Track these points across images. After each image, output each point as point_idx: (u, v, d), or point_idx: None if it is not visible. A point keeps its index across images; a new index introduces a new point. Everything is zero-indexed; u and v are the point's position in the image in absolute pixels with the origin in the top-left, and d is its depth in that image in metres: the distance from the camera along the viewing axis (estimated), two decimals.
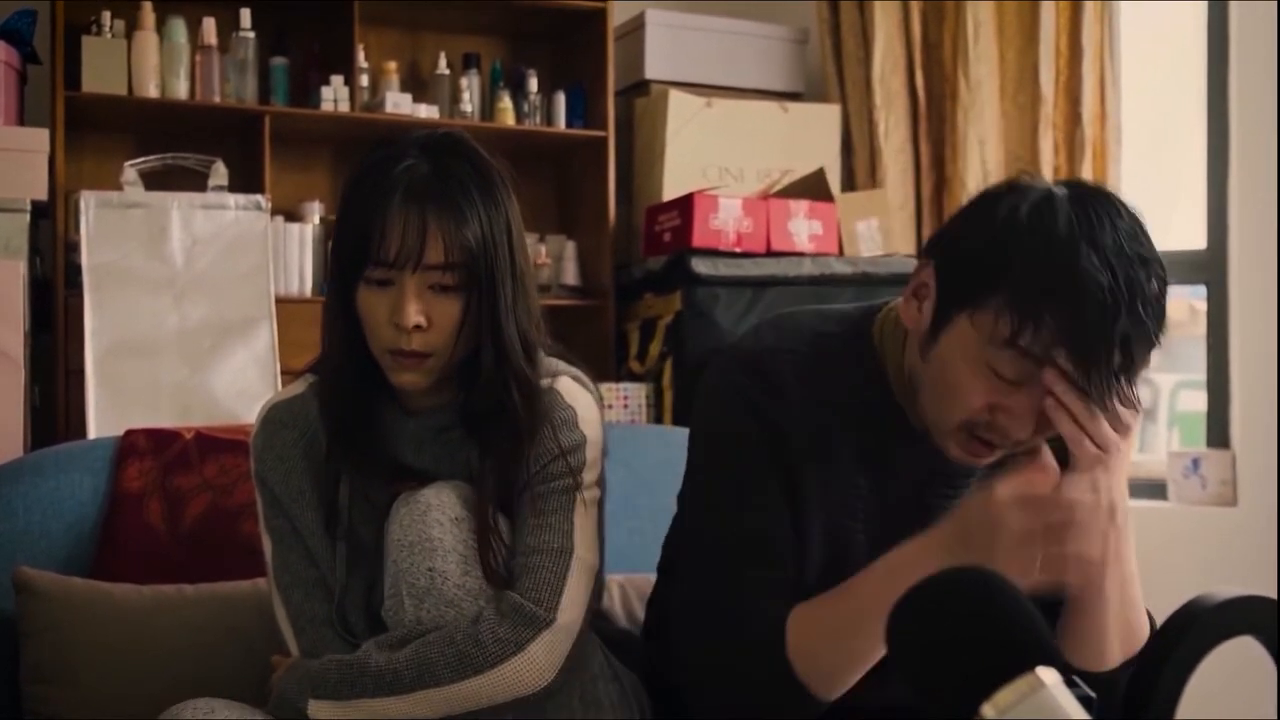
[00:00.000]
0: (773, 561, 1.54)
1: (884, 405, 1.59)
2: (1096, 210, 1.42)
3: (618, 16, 4.30)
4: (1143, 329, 1.39)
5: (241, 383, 3.30)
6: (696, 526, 1.65)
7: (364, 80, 4.11)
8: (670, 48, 4.29)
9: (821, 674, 1.50)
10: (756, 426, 1.55)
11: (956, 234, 1.52)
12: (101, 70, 3.73)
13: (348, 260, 1.62)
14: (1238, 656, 1.28)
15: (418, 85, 4.30)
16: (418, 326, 1.59)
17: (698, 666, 1.58)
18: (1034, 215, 1.43)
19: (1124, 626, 1.56)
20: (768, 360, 1.58)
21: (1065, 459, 1.43)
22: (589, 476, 1.67)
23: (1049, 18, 3.99)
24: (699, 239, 3.82)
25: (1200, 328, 3.96)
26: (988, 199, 1.50)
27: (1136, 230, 1.43)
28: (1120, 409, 1.42)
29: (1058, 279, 1.38)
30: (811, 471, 1.56)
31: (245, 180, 3.81)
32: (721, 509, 1.58)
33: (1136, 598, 1.57)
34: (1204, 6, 3.94)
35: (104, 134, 3.97)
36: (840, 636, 1.48)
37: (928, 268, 1.52)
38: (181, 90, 3.85)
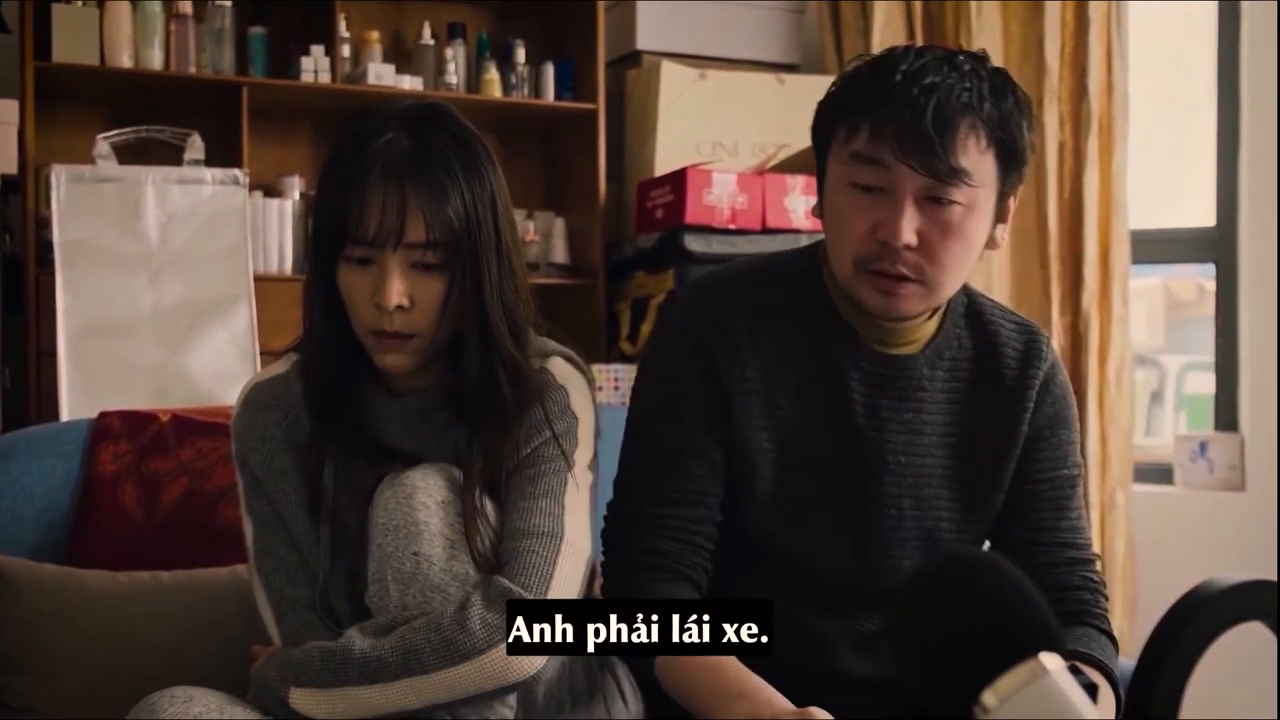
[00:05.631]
0: (675, 499, 1.65)
1: (826, 316, 1.70)
2: (924, 47, 1.62)
3: None
4: (953, 89, 1.53)
5: (219, 364, 3.30)
6: (626, 444, 1.73)
7: (345, 50, 4.07)
8: (663, 18, 4.26)
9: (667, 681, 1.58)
10: (695, 350, 1.67)
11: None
12: (73, 39, 3.67)
13: (327, 238, 1.58)
14: (1244, 644, 1.26)
15: (401, 56, 4.26)
16: (400, 307, 1.55)
17: (606, 573, 1.70)
18: (866, 61, 1.64)
19: None
20: (713, 287, 1.73)
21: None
22: (581, 459, 1.64)
23: None
24: (692, 215, 3.79)
25: (1208, 307, 3.97)
26: None
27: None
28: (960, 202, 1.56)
29: (869, 77, 1.59)
30: (748, 390, 1.66)
31: (222, 154, 3.77)
32: (642, 437, 1.71)
33: None
34: None
35: (75, 106, 3.91)
36: (686, 697, 1.56)
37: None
38: (156, 60, 3.79)
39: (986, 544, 1.78)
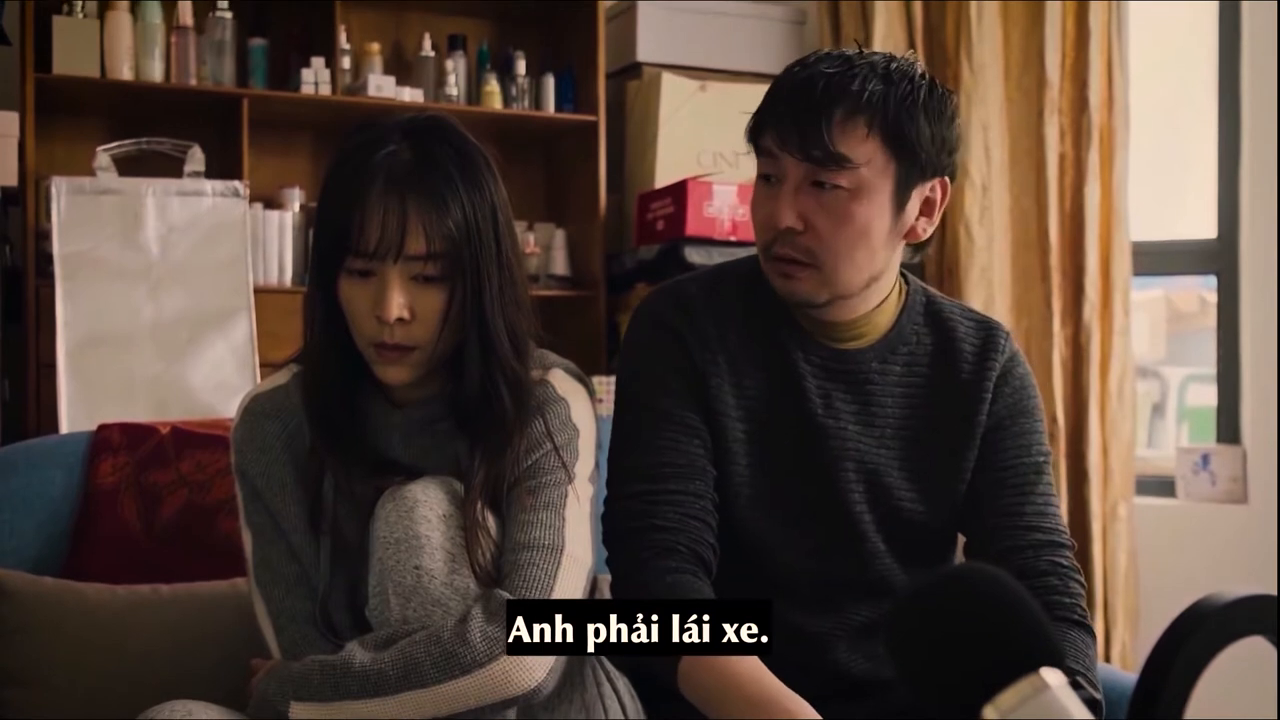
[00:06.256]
0: (670, 474, 1.67)
1: (780, 314, 1.75)
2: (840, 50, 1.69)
3: None
4: (834, 77, 1.60)
5: (219, 375, 3.28)
6: (615, 437, 1.76)
7: (346, 62, 4.07)
8: (663, 29, 4.25)
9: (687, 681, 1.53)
10: (669, 339, 1.72)
11: None
12: (73, 51, 3.66)
13: (328, 250, 1.58)
14: (1247, 657, 1.25)
15: (401, 67, 4.26)
16: (400, 319, 1.55)
17: (613, 567, 1.70)
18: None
19: None
20: (680, 285, 1.79)
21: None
22: (582, 471, 1.64)
23: None
24: (693, 227, 3.78)
25: (1210, 319, 3.95)
26: None
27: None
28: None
29: (774, 85, 1.67)
30: (720, 375, 1.71)
31: (223, 166, 3.76)
32: (631, 425, 1.73)
33: None
34: None
35: (76, 118, 3.90)
36: (716, 704, 1.51)
37: None
38: (156, 72, 3.79)
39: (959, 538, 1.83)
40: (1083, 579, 1.74)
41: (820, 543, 1.72)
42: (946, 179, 1.69)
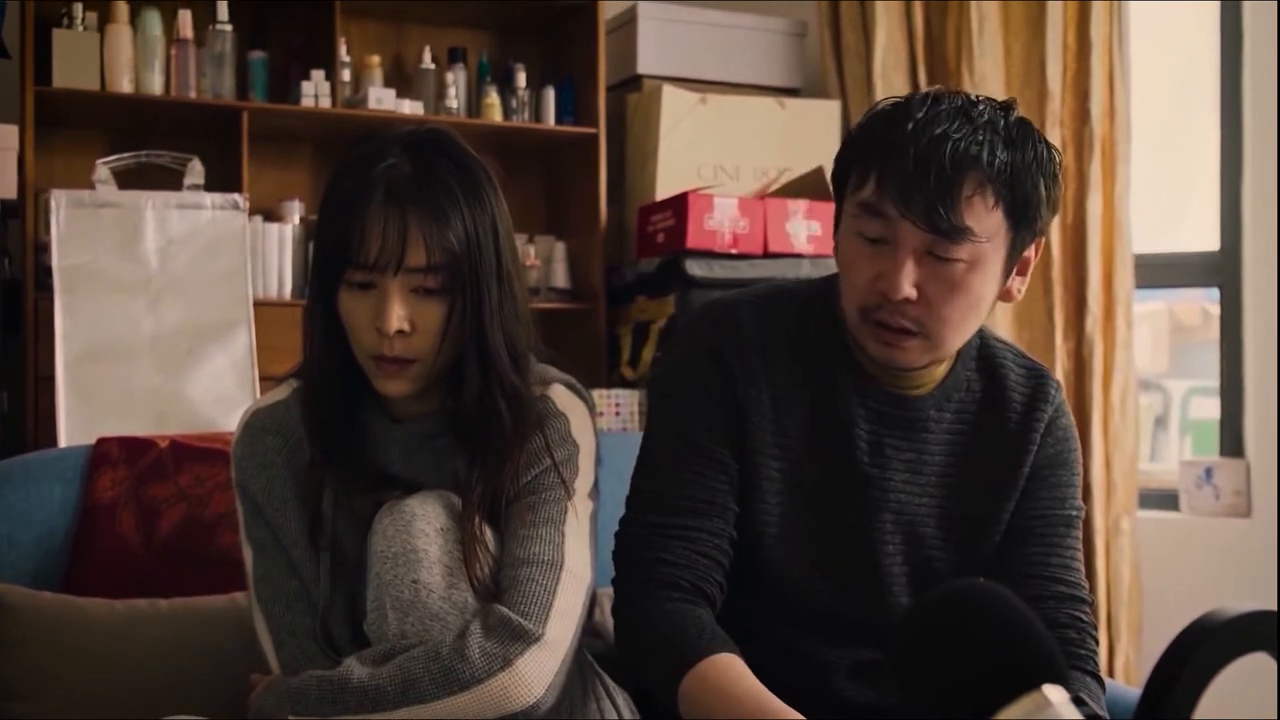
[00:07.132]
0: (690, 509, 1.64)
1: (837, 350, 1.69)
2: (944, 93, 1.58)
3: (609, 9, 4.26)
4: (961, 142, 1.50)
5: (218, 389, 3.29)
6: (640, 458, 1.73)
7: (346, 75, 4.07)
8: (663, 41, 4.25)
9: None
10: (712, 365, 1.67)
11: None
12: (73, 64, 3.66)
13: (328, 262, 1.59)
14: (1249, 673, 1.24)
15: (401, 80, 4.26)
16: (400, 331, 1.55)
17: (617, 590, 1.68)
18: (884, 106, 1.61)
19: None
20: (731, 308, 1.72)
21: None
22: (581, 487, 1.64)
23: (1056, 11, 3.94)
24: (693, 240, 3.77)
25: (1213, 332, 3.94)
26: None
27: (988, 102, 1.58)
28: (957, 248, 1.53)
29: (883, 125, 1.56)
30: (762, 412, 1.67)
31: (222, 179, 3.75)
32: (659, 450, 1.70)
33: None
34: (1216, 5, 3.88)
35: (75, 130, 3.90)
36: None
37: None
38: (156, 85, 3.79)
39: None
40: (1098, 635, 1.72)
41: (845, 587, 1.70)
42: (1042, 238, 1.63)
